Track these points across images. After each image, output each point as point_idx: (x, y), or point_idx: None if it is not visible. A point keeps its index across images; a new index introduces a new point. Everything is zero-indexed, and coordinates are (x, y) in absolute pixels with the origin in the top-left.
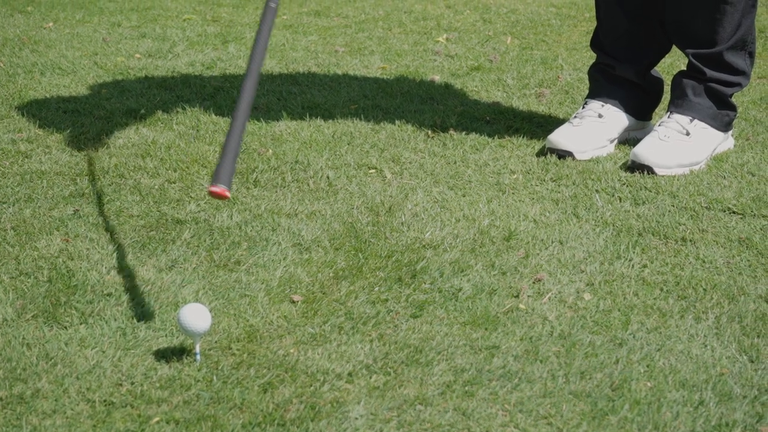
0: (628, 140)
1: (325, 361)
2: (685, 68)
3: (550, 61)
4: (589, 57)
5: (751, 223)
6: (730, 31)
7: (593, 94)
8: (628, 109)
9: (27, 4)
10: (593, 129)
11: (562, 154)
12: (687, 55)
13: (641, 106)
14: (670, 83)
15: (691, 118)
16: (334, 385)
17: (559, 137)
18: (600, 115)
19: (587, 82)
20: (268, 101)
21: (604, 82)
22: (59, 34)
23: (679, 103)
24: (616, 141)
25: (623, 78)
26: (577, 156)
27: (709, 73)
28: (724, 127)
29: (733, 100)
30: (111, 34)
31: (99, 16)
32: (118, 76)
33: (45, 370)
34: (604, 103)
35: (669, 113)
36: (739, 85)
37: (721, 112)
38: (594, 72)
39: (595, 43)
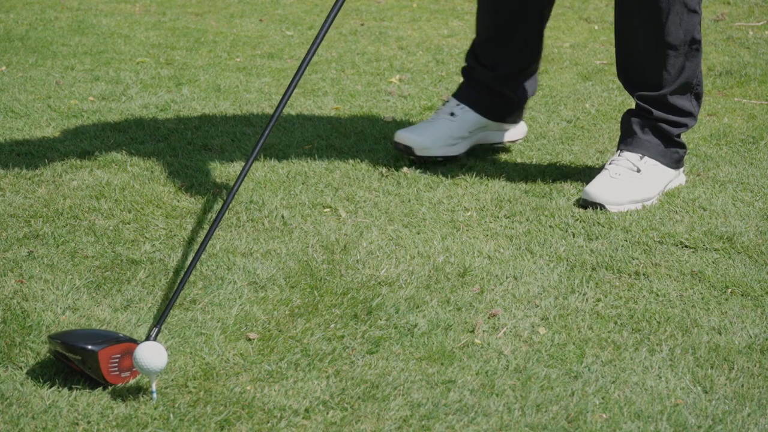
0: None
1: (281, 397)
2: (633, 107)
3: None
4: (540, 93)
5: (703, 257)
6: (674, 74)
7: (455, 93)
8: (480, 110)
9: None
10: (443, 126)
11: (404, 150)
12: (634, 96)
13: (495, 108)
14: (619, 121)
15: (641, 155)
16: (291, 421)
17: (406, 134)
18: (452, 114)
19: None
20: (222, 142)
21: (464, 84)
22: (12, 77)
23: (628, 141)
24: (469, 140)
25: (480, 81)
26: (418, 153)
27: (656, 112)
28: (675, 164)
29: (683, 137)
30: (64, 78)
31: (52, 60)
32: (72, 119)
33: (0, 410)
34: (459, 102)
35: (619, 151)
36: (685, 125)
37: (670, 149)
38: (462, 72)
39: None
